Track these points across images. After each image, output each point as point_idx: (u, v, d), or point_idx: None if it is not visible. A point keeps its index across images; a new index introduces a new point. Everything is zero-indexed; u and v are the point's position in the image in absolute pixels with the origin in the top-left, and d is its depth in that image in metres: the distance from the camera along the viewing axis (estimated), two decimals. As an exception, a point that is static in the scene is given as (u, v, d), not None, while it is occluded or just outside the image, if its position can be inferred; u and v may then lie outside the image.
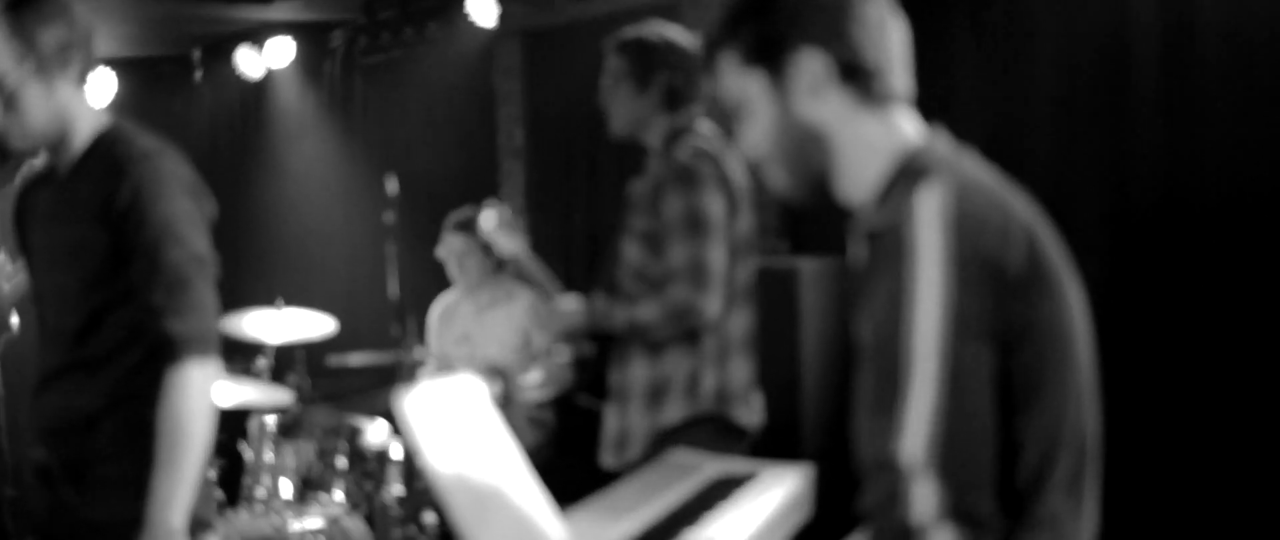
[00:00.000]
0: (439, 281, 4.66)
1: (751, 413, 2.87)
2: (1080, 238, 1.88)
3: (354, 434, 3.97)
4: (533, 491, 1.74)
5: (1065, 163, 3.92)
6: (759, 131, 1.53)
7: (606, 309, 2.76)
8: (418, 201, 5.48)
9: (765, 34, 1.50)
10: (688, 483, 2.29)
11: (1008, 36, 4.08)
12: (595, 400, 2.95)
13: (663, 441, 2.72)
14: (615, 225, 2.96)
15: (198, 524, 2.17)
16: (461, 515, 1.54)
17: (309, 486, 3.93)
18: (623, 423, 2.82)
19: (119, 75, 6.59)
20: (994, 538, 1.29)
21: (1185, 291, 3.69)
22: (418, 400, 1.59)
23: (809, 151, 1.51)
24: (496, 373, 4.07)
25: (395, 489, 3.86)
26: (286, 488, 3.91)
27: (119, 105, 6.43)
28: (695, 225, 2.67)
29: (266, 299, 4.46)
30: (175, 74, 7.21)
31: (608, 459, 2.87)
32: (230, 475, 4.06)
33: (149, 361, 2.12)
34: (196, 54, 7.08)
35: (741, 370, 2.82)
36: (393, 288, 4.18)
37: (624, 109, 2.89)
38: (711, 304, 2.67)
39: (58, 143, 2.24)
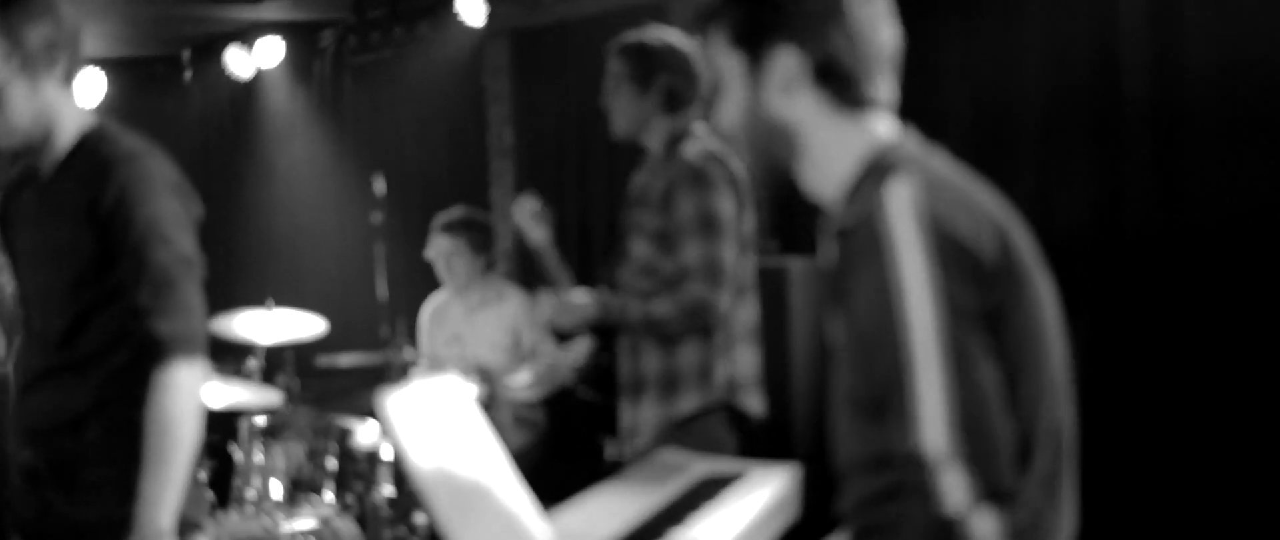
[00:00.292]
0: (430, 282, 4.65)
1: (758, 401, 2.94)
2: (1066, 250, 1.88)
3: (344, 435, 3.96)
4: (517, 491, 1.74)
5: (1052, 172, 3.92)
6: (732, 111, 1.56)
7: (620, 303, 2.83)
8: (408, 201, 5.48)
9: (749, 21, 1.51)
10: (675, 482, 2.30)
11: (997, 40, 4.09)
12: (595, 393, 2.98)
13: (674, 431, 2.79)
14: (605, 223, 2.98)
15: (187, 525, 2.16)
16: (444, 515, 1.54)
17: (299, 487, 3.91)
18: (636, 414, 2.89)
19: (109, 75, 6.58)
20: (1024, 511, 1.28)
21: (1180, 299, 3.68)
22: (400, 401, 1.59)
23: (775, 143, 1.53)
24: (482, 373, 4.08)
25: (386, 490, 3.85)
26: (277, 489, 3.90)
27: (109, 105, 6.42)
28: (708, 225, 2.75)
29: (256, 299, 4.45)
30: (165, 74, 7.20)
31: (615, 450, 2.93)
32: (220, 476, 4.06)
33: (136, 362, 2.11)
34: (186, 54, 7.08)
35: (749, 359, 2.90)
36: (382, 288, 4.18)
37: (625, 111, 2.96)
38: (724, 300, 2.75)
39: (42, 142, 2.22)
